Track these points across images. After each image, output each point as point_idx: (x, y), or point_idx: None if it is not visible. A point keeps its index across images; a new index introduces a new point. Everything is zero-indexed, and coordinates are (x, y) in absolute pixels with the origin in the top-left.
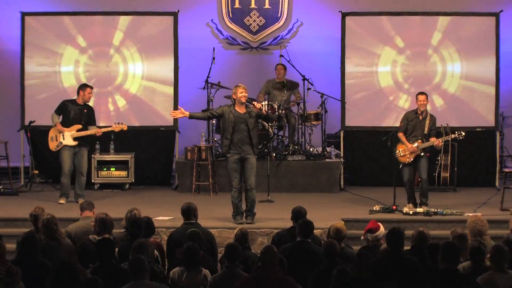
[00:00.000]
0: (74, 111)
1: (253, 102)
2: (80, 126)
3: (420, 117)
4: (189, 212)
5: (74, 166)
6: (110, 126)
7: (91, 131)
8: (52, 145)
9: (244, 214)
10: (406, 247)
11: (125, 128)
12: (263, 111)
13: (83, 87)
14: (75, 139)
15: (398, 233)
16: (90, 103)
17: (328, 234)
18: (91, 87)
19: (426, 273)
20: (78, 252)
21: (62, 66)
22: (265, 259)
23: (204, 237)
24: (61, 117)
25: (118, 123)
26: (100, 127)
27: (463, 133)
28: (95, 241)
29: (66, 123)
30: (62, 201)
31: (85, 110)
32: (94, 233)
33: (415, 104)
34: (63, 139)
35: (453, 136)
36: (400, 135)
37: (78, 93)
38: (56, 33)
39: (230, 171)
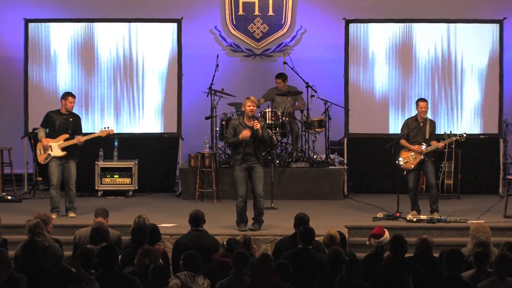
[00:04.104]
0: (59, 121)
1: (254, 121)
2: (67, 136)
3: (421, 124)
4: (196, 220)
5: (62, 177)
6: (94, 133)
7: (74, 140)
8: (41, 158)
9: (251, 222)
10: (410, 254)
11: (112, 132)
12: (260, 132)
13: (65, 96)
14: (63, 149)
15: (401, 240)
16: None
17: (323, 241)
18: (73, 96)
19: (429, 280)
20: (79, 257)
21: (65, 73)
22: (259, 266)
23: (211, 245)
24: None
25: (105, 128)
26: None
27: (465, 135)
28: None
29: (53, 134)
30: (53, 216)
31: (71, 119)
32: (91, 243)
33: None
34: (51, 151)
35: (454, 138)
36: (403, 142)
37: (61, 102)
38: (60, 40)
39: (236, 179)
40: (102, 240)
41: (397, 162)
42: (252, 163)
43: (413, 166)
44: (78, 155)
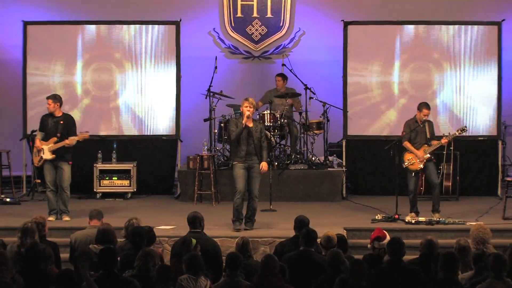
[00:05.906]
0: (50, 124)
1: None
2: (55, 139)
3: (421, 125)
4: (194, 221)
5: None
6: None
7: (63, 142)
8: (35, 161)
9: (244, 221)
10: (413, 256)
11: (87, 136)
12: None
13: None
14: (52, 152)
15: (399, 242)
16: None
17: (320, 243)
18: (52, 98)
19: (426, 282)
20: (78, 258)
21: (64, 76)
22: (265, 267)
23: (209, 247)
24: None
25: (82, 132)
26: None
27: (465, 128)
28: (95, 251)
29: (45, 137)
30: (51, 218)
31: (62, 122)
32: (96, 243)
33: (415, 112)
34: (43, 154)
35: (457, 133)
36: (406, 143)
37: None
38: (58, 42)
39: (235, 176)
40: (108, 242)
41: (403, 165)
42: (252, 163)
43: (421, 166)
44: (70, 157)
